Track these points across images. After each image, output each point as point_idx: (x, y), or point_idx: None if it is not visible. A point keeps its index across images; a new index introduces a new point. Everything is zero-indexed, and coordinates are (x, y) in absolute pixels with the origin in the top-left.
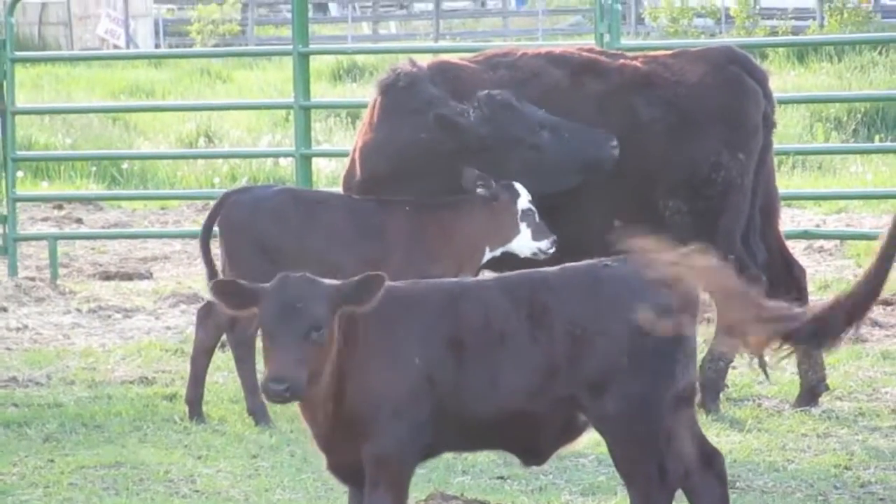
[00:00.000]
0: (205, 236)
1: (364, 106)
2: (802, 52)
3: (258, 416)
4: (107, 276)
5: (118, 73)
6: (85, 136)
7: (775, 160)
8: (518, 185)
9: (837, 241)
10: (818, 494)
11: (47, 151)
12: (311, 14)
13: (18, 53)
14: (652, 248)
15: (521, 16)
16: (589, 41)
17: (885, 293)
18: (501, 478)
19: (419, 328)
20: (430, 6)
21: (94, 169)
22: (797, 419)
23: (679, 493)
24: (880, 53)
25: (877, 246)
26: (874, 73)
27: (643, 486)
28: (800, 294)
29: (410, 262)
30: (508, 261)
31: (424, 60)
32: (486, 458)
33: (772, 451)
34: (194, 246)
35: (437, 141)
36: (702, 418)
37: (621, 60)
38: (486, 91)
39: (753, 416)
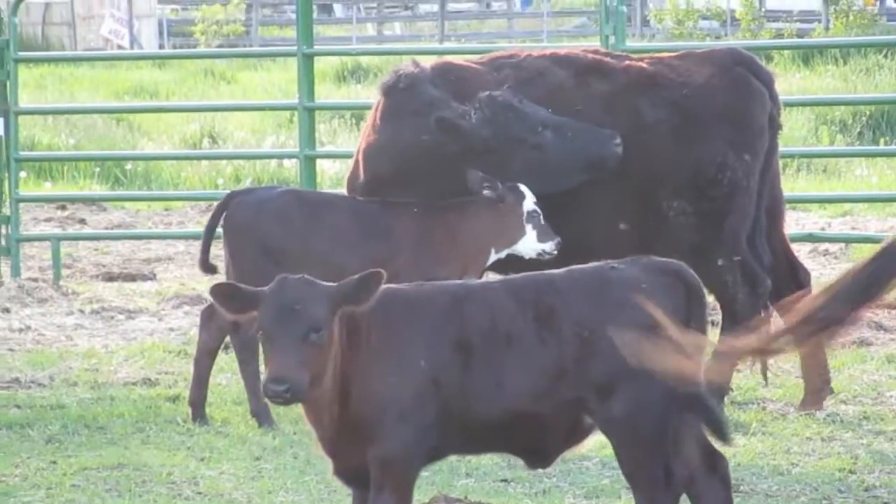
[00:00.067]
0: (207, 238)
1: (368, 107)
2: (808, 55)
3: (261, 418)
4: (110, 277)
5: (122, 73)
6: (88, 136)
7: (780, 163)
8: (523, 187)
9: (842, 245)
10: (822, 498)
11: (50, 152)
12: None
13: (22, 53)
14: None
15: (526, 17)
16: (594, 43)
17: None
18: (505, 481)
19: (425, 331)
20: (435, 7)
21: (97, 169)
22: (801, 423)
23: (683, 498)
24: (886, 56)
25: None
26: (879, 76)
27: (649, 489)
28: None
29: (416, 263)
30: (512, 262)
31: (429, 62)
32: (489, 461)
33: (776, 455)
34: (198, 247)
35: (438, 143)
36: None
37: (627, 61)
38: (487, 92)
39: (758, 420)
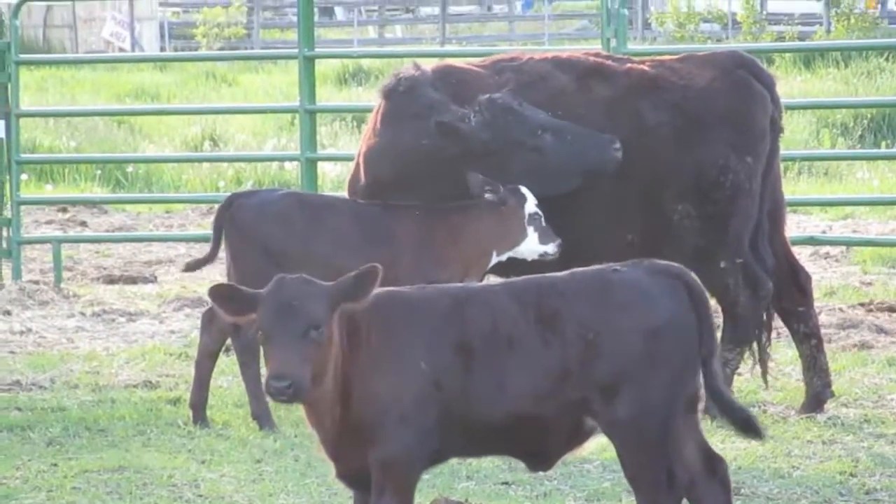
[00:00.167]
0: (216, 236)
1: (369, 110)
2: (809, 58)
3: (262, 420)
4: (111, 280)
5: (123, 75)
6: (89, 139)
7: (781, 165)
8: (524, 189)
9: (843, 248)
10: (823, 501)
11: (52, 154)
12: (316, 18)
13: (23, 56)
14: None
15: (528, 20)
16: (595, 46)
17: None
18: (506, 483)
19: (426, 333)
20: (437, 10)
21: (98, 172)
22: (802, 426)
23: (683, 501)
24: (887, 59)
25: None
26: (881, 79)
27: (651, 492)
28: (805, 300)
29: (418, 266)
30: (513, 265)
31: (430, 64)
32: (490, 464)
33: (777, 458)
34: (199, 249)
35: (438, 146)
36: (707, 424)
37: (628, 64)
38: (486, 95)
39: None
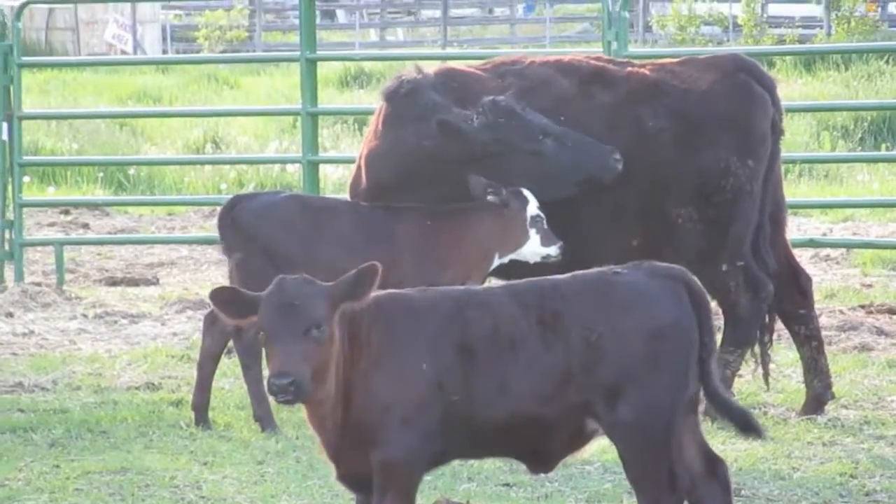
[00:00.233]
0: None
1: (371, 113)
2: (810, 61)
3: (264, 422)
4: (113, 282)
5: (125, 78)
6: (92, 141)
7: (782, 168)
8: (526, 192)
9: (844, 250)
10: (823, 503)
11: (54, 157)
12: (318, 21)
13: (25, 58)
14: None
15: (529, 23)
16: (597, 49)
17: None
18: (507, 485)
19: (428, 335)
20: (438, 13)
21: (100, 174)
22: (803, 427)
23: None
24: (887, 62)
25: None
26: (881, 82)
27: (653, 493)
28: (805, 303)
29: (420, 268)
30: (515, 267)
31: (432, 67)
32: (491, 465)
33: (777, 460)
34: (201, 252)
35: (440, 148)
36: (707, 426)
37: (629, 68)
38: (490, 97)
39: None
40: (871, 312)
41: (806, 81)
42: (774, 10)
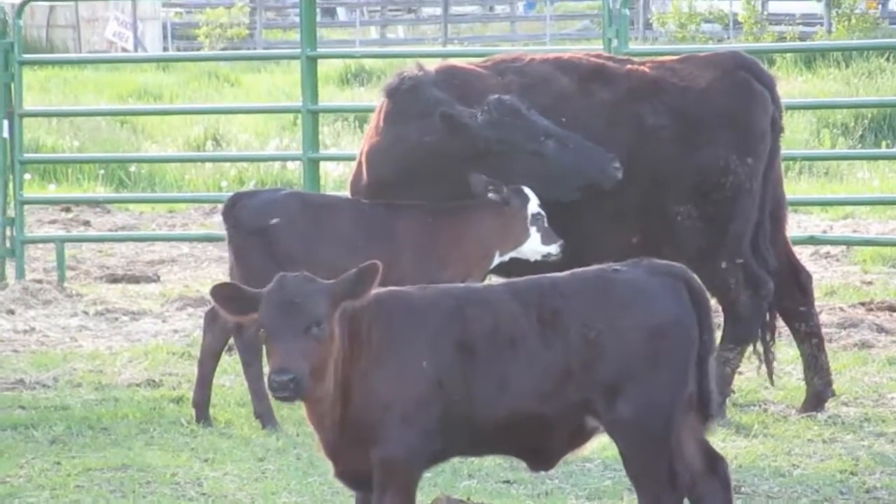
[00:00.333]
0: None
1: (371, 110)
2: (810, 58)
3: (265, 419)
4: (114, 279)
5: (126, 76)
6: (92, 138)
7: (782, 165)
8: (527, 190)
9: (844, 247)
10: (823, 500)
11: (55, 154)
12: (318, 18)
13: (26, 56)
14: None
15: (530, 20)
16: (597, 46)
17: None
18: (507, 482)
19: (428, 333)
20: (439, 10)
21: (101, 172)
22: (803, 424)
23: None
24: (888, 59)
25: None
26: (881, 79)
27: (653, 490)
28: (806, 300)
29: (420, 266)
30: (515, 266)
31: (432, 65)
32: (492, 462)
33: (777, 457)
34: (201, 249)
35: (442, 143)
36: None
37: (629, 66)
38: (496, 96)
39: (759, 422)
40: (871, 309)
41: (806, 79)
42: (775, 7)
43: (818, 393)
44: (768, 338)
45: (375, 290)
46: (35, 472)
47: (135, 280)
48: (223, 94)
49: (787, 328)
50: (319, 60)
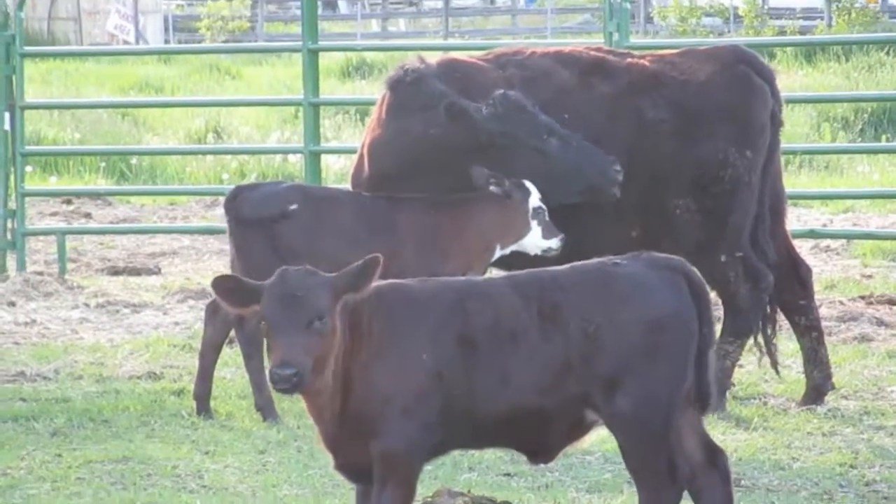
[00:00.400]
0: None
1: (372, 103)
2: (810, 52)
3: (266, 411)
4: (115, 272)
5: (127, 68)
6: (94, 131)
7: (782, 159)
8: (529, 184)
9: (844, 241)
10: (823, 493)
11: (56, 146)
12: (320, 11)
13: (28, 48)
14: None
15: (531, 14)
16: (598, 40)
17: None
18: (508, 475)
19: (428, 325)
20: (440, 4)
21: (102, 164)
22: (803, 418)
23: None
24: (888, 53)
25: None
26: (882, 73)
27: (653, 484)
28: (805, 293)
29: (422, 258)
30: (516, 259)
31: (433, 58)
32: (492, 455)
33: (777, 450)
34: (202, 241)
35: (446, 135)
36: (707, 416)
37: (629, 60)
38: (501, 91)
39: (759, 415)
40: (870, 303)
41: (806, 73)
42: (775, 1)
43: (818, 386)
44: (769, 330)
45: (376, 283)
46: (36, 463)
47: (136, 272)
48: (224, 87)
49: (786, 322)
50: (321, 53)
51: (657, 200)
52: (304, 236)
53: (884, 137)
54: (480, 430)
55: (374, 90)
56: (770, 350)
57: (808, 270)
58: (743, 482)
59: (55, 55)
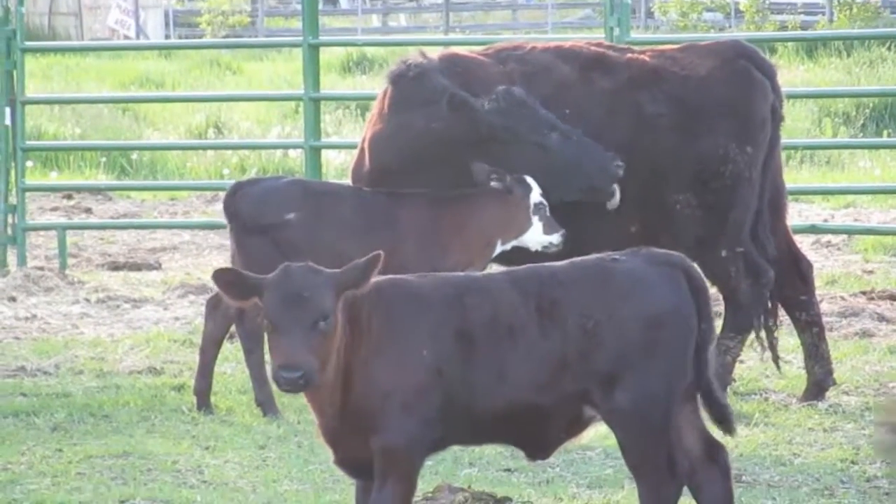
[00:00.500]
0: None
1: (373, 98)
2: (811, 47)
3: (266, 407)
4: (115, 267)
5: (128, 63)
6: (94, 126)
7: (783, 154)
8: (530, 179)
9: (845, 236)
10: (824, 489)
11: (57, 141)
12: (320, 6)
13: (28, 43)
14: None
15: (531, 9)
16: (599, 35)
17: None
18: (508, 470)
19: (428, 321)
20: None
21: (103, 159)
22: (804, 413)
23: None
24: (889, 49)
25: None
26: (883, 69)
27: (652, 479)
28: (806, 289)
29: (423, 254)
30: (516, 255)
31: (434, 53)
32: (492, 451)
33: (778, 446)
34: (203, 237)
35: (449, 129)
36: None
37: (629, 55)
38: (504, 86)
39: (760, 411)
40: (872, 299)
41: (808, 68)
42: None
43: (819, 382)
44: (771, 325)
45: (375, 278)
46: (36, 458)
47: (136, 267)
48: (225, 82)
49: (787, 317)
50: (321, 48)
51: (657, 196)
52: (305, 232)
53: (885, 132)
54: (479, 426)
55: (375, 85)
56: (771, 345)
57: (809, 266)
58: (744, 478)
59: (56, 50)
